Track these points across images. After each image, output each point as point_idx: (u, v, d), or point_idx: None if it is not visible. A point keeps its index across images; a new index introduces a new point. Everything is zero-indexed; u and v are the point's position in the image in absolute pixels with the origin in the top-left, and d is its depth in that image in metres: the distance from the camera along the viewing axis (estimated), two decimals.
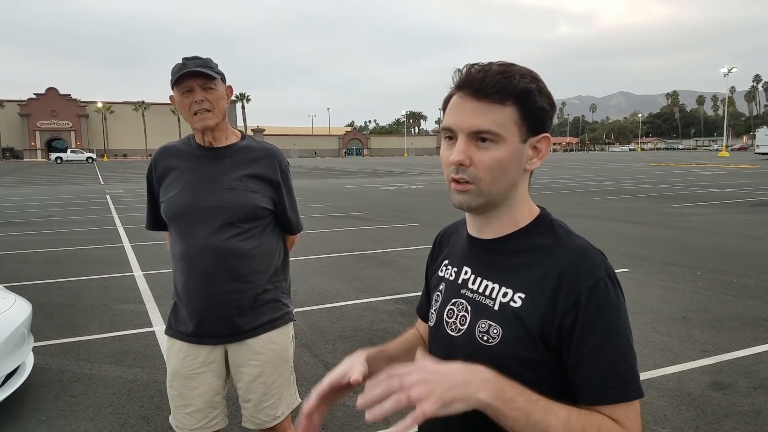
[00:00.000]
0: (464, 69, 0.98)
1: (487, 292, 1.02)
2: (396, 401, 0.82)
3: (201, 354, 2.06)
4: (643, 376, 3.77)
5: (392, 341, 1.26)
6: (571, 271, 0.95)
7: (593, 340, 0.93)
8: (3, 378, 3.33)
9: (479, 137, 0.96)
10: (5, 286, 4.28)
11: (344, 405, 3.41)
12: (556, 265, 0.96)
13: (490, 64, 0.98)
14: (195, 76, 1.94)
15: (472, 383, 0.85)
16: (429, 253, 1.28)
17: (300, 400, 2.29)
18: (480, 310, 1.02)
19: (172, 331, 2.12)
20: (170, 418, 2.15)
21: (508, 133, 0.96)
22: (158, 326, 4.95)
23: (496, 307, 1.00)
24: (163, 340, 4.52)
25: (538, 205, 1.07)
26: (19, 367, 3.50)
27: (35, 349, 4.01)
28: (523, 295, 0.97)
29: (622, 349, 0.94)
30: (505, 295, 1.00)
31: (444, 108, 1.02)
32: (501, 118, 0.95)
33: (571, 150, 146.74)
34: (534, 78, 0.98)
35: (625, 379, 0.93)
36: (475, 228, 1.08)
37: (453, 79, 0.99)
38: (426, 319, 1.24)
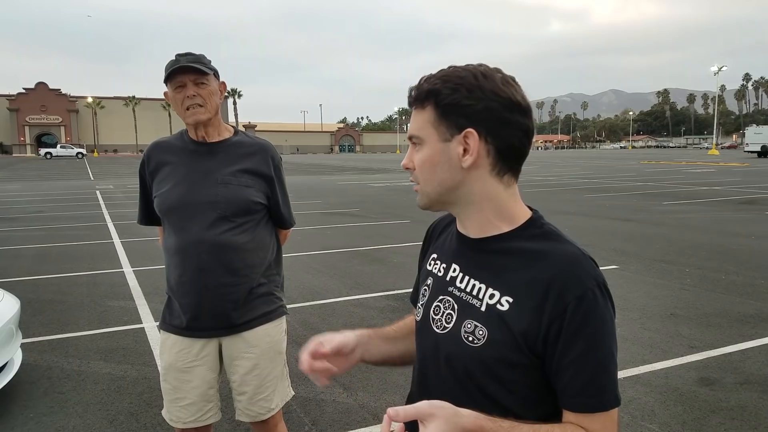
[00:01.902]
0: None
1: (474, 292, 1.02)
2: None
3: (195, 347, 2.07)
4: (631, 372, 3.81)
5: (393, 324, 1.30)
6: (561, 279, 0.94)
7: (578, 348, 0.93)
8: None
9: (413, 142, 1.05)
10: None
11: (334, 401, 3.42)
12: (546, 272, 0.96)
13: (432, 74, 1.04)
14: (187, 71, 1.95)
15: None
16: (422, 243, 1.29)
17: (293, 392, 2.31)
18: (466, 310, 1.02)
19: (166, 325, 2.13)
20: (163, 411, 2.16)
21: (426, 134, 1.01)
22: (148, 323, 4.94)
23: (483, 308, 0.99)
24: (153, 337, 4.52)
25: (530, 208, 1.06)
26: (7, 363, 3.48)
27: (24, 346, 3.99)
28: (510, 299, 0.97)
29: (604, 359, 0.94)
30: (492, 296, 0.99)
31: None
32: (421, 121, 1.02)
33: (563, 147, 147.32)
34: (444, 78, 0.99)
35: (605, 389, 0.94)
36: (459, 224, 1.09)
37: None
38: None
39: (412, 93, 1.03)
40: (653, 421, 3.19)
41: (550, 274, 0.95)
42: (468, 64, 1.01)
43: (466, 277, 1.05)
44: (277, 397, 2.17)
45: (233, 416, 2.22)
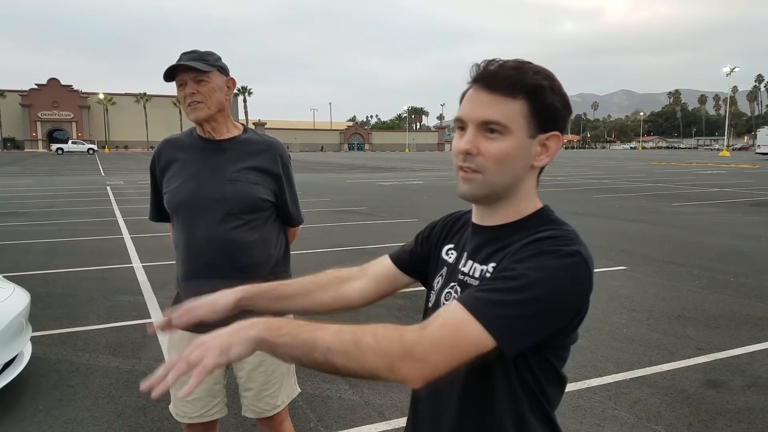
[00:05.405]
0: (482, 64, 1.01)
1: (475, 274, 1.05)
2: (176, 371, 0.86)
3: None
4: (638, 373, 3.80)
5: (303, 278, 1.29)
6: (538, 234, 0.98)
7: (507, 262, 0.95)
8: (1, 367, 3.35)
9: (488, 128, 0.98)
10: (4, 276, 4.30)
11: (340, 398, 3.43)
12: (530, 237, 0.99)
13: (507, 60, 1.00)
14: (186, 69, 1.95)
15: (241, 328, 0.89)
16: (434, 223, 1.30)
17: (299, 389, 2.32)
18: (466, 290, 1.05)
19: None
20: (170, 406, 2.18)
21: (516, 126, 0.97)
22: (156, 318, 4.97)
23: (477, 283, 1.03)
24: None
25: (542, 203, 1.10)
26: (17, 356, 3.52)
27: (34, 339, 4.03)
28: (495, 264, 1.01)
29: (519, 290, 0.89)
30: (487, 271, 1.03)
31: (461, 102, 1.05)
32: (510, 110, 0.97)
33: (573, 148, 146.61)
34: (547, 76, 0.99)
35: (491, 303, 0.89)
36: (478, 217, 1.11)
37: (470, 73, 1.01)
38: (394, 260, 1.32)
39: (503, 77, 0.97)
40: (659, 422, 3.18)
41: (533, 238, 0.97)
42: (534, 63, 1.01)
43: (470, 261, 1.08)
44: (283, 394, 2.18)
45: (239, 411, 2.23)
